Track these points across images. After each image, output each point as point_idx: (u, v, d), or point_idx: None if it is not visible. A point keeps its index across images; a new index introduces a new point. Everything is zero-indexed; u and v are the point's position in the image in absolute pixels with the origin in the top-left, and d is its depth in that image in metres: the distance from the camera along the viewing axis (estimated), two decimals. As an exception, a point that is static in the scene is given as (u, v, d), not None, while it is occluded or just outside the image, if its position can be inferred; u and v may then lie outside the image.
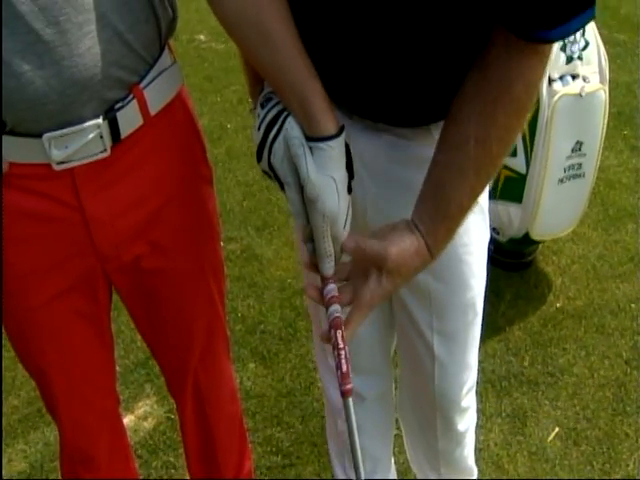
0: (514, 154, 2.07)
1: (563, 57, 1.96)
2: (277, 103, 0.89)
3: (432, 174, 0.91)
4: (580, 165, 2.06)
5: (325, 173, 0.84)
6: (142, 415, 1.97)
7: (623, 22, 4.14)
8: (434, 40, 0.88)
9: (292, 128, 0.85)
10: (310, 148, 0.84)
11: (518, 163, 2.07)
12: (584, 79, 1.99)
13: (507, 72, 0.84)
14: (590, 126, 2.03)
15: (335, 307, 0.87)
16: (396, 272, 0.87)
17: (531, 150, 2.02)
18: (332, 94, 0.89)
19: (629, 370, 2.06)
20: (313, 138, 0.85)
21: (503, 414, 1.92)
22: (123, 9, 0.93)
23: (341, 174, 0.86)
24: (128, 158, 1.02)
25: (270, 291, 2.34)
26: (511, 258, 2.39)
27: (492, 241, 2.30)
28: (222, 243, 2.44)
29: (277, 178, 0.89)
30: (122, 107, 0.98)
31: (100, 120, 0.96)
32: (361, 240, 0.88)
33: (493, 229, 2.33)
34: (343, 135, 0.86)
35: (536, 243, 2.34)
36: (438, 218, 0.90)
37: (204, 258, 1.20)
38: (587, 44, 1.98)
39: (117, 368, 1.38)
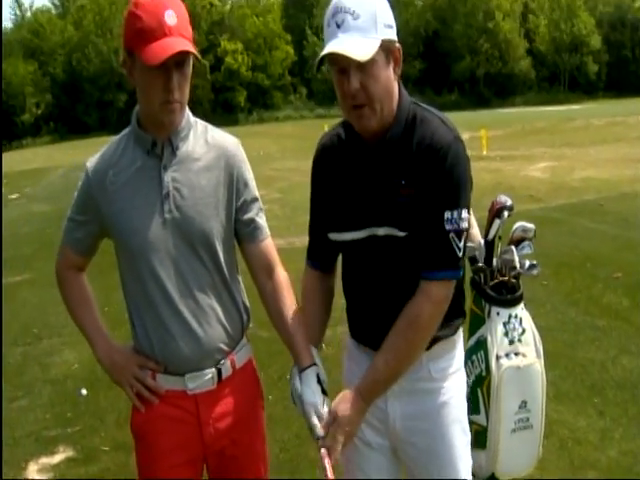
0: (478, 412, 2.69)
1: (506, 340, 2.64)
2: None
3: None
4: (528, 419, 2.64)
5: (306, 384, 1.74)
6: None
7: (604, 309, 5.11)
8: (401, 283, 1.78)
9: (293, 371, 1.78)
10: (300, 377, 1.76)
11: (481, 418, 2.68)
12: (523, 355, 2.63)
13: (411, 305, 1.75)
14: (531, 389, 2.63)
15: (323, 450, 1.71)
16: (342, 417, 1.72)
17: (488, 408, 2.65)
18: (363, 339, 1.91)
19: None
20: (299, 370, 1.77)
21: None
22: (227, 316, 1.85)
23: (314, 386, 1.74)
24: (224, 390, 1.87)
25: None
26: (489, 500, 2.82)
27: (472, 485, 2.87)
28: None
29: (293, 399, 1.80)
30: (223, 364, 1.86)
31: (213, 369, 1.84)
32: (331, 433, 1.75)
33: (473, 475, 2.88)
34: (313, 367, 1.77)
35: (506, 485, 2.79)
36: (369, 371, 1.76)
37: (258, 451, 1.97)
38: (524, 330, 2.67)
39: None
